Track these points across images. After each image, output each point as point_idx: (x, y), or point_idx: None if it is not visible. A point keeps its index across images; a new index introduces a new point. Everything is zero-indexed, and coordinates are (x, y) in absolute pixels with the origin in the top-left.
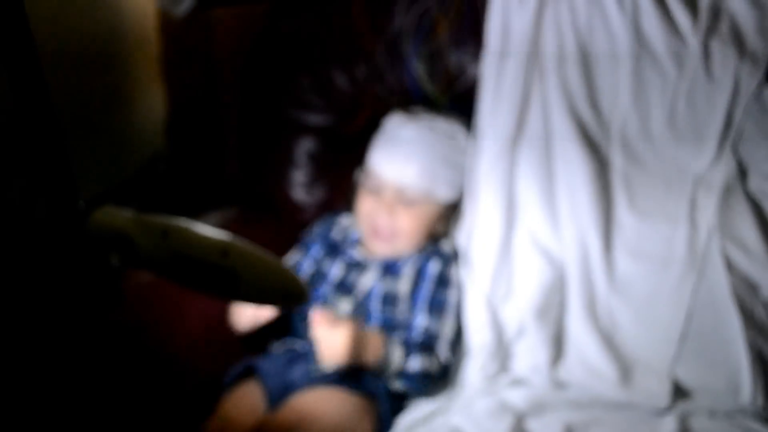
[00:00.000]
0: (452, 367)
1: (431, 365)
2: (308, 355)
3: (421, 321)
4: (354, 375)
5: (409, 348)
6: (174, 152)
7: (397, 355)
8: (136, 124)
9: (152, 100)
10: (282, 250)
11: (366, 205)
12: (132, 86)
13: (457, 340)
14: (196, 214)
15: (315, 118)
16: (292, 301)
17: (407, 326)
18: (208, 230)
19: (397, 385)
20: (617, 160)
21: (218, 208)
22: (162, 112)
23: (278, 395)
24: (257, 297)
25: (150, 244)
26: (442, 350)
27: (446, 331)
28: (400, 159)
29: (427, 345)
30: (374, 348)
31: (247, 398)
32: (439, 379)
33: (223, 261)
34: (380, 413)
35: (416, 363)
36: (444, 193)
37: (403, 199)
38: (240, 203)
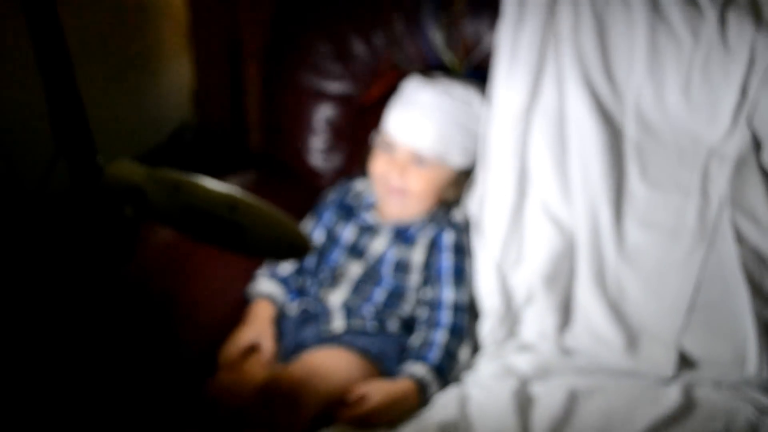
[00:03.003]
0: None
1: (464, 356)
2: (320, 316)
3: (448, 295)
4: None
5: (438, 332)
6: (201, 121)
7: (435, 389)
8: (164, 94)
9: (180, 70)
10: (299, 215)
11: (379, 164)
12: (160, 56)
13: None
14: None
15: (333, 86)
16: (296, 253)
17: (432, 304)
18: (217, 185)
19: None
20: (630, 130)
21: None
22: (189, 81)
23: (290, 353)
24: (263, 250)
25: (162, 198)
26: (467, 322)
27: (466, 299)
28: (415, 121)
29: (458, 328)
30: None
31: (259, 354)
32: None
33: (231, 215)
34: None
35: (455, 372)
36: (456, 159)
37: (415, 160)
38: (261, 170)
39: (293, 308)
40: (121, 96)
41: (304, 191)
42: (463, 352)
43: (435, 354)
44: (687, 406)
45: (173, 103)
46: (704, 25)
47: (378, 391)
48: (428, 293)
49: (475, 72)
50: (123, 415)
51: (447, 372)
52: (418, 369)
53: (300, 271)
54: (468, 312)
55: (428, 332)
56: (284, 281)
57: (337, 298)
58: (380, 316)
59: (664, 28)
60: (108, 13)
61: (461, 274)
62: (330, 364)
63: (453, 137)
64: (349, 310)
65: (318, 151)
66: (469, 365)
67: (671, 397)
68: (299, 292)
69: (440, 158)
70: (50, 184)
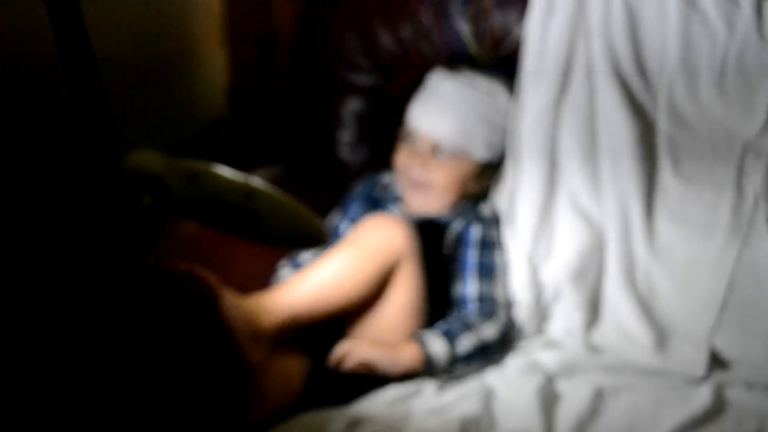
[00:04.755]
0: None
1: (487, 333)
2: None
3: (471, 289)
4: None
5: (464, 325)
6: (235, 116)
7: (438, 346)
8: (199, 88)
9: (215, 65)
10: (326, 207)
11: (402, 157)
12: (195, 51)
13: None
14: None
15: (361, 79)
16: (312, 242)
17: (456, 302)
18: (234, 174)
19: (458, 372)
20: (663, 124)
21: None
22: (224, 76)
23: None
24: (279, 239)
25: (180, 186)
26: (501, 314)
27: (500, 293)
28: (437, 113)
29: (486, 313)
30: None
31: None
32: (501, 344)
33: (247, 203)
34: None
35: (468, 342)
36: (479, 152)
37: (437, 152)
38: (290, 163)
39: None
40: (156, 90)
41: (331, 184)
42: (487, 329)
43: (446, 322)
44: (717, 408)
45: (208, 98)
46: (739, 15)
47: (374, 342)
48: (454, 290)
49: (504, 64)
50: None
51: (455, 336)
52: (422, 332)
53: None
54: (497, 301)
55: None
56: None
57: None
58: None
59: (698, 19)
60: (145, 10)
61: (487, 269)
62: None
63: (475, 130)
64: None
65: (346, 144)
66: (498, 358)
67: (701, 397)
68: None
69: (462, 151)
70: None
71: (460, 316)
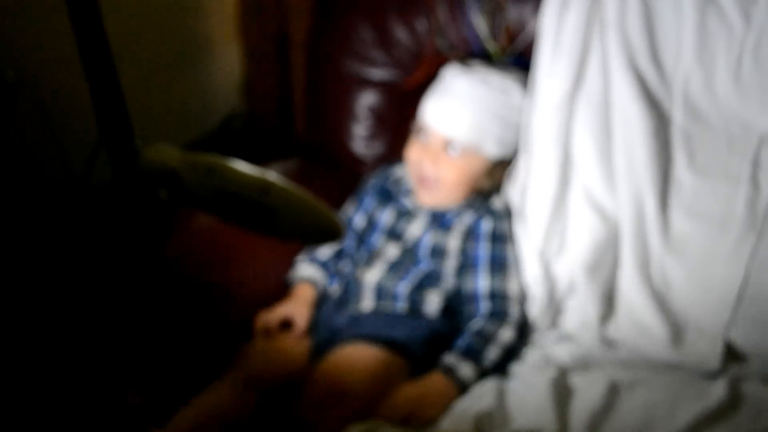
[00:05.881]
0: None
1: (506, 338)
2: (351, 295)
3: (483, 284)
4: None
5: (482, 338)
6: (250, 110)
7: (466, 369)
8: (214, 83)
9: (230, 60)
10: (340, 201)
11: (414, 152)
12: (210, 46)
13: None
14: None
15: (376, 73)
16: (328, 237)
17: (468, 297)
18: (249, 169)
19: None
20: (678, 117)
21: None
22: (239, 71)
23: (323, 342)
24: (295, 233)
25: (196, 181)
26: (513, 311)
27: (512, 288)
28: (449, 110)
29: (497, 314)
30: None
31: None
32: (520, 341)
33: (263, 198)
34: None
35: (493, 354)
36: (491, 149)
37: (448, 149)
38: (305, 157)
39: (335, 291)
40: (172, 85)
41: (346, 178)
42: (505, 333)
43: (465, 339)
44: (733, 402)
45: (223, 93)
46: (756, 8)
47: (408, 395)
48: (465, 284)
49: (519, 59)
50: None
51: (479, 352)
52: (446, 357)
53: (340, 255)
54: (509, 297)
55: (466, 325)
56: (324, 265)
57: (372, 276)
58: (414, 296)
59: (714, 11)
60: (161, 6)
61: (499, 262)
62: (352, 372)
63: (488, 127)
64: (381, 291)
65: (360, 138)
66: (517, 352)
67: (717, 391)
68: (339, 276)
69: (474, 147)
70: (94, 169)
71: (475, 325)
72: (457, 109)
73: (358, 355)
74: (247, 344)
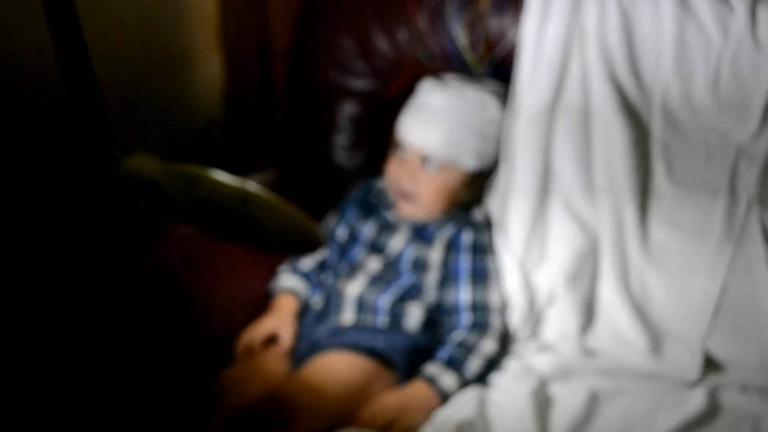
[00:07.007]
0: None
1: (488, 349)
2: (332, 307)
3: (465, 296)
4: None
5: (464, 349)
6: (230, 119)
7: (448, 379)
8: (194, 92)
9: (210, 69)
10: (322, 212)
11: (392, 168)
12: (191, 55)
13: None
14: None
15: (357, 83)
16: (309, 247)
17: (450, 309)
18: (230, 179)
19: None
20: (657, 128)
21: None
22: (219, 80)
23: (304, 354)
24: (276, 244)
25: (176, 190)
26: (495, 322)
27: (494, 299)
28: (425, 125)
29: (479, 325)
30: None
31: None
32: (501, 352)
33: (244, 208)
34: (397, 378)
35: (474, 365)
36: (468, 162)
37: (425, 164)
38: (286, 167)
39: (317, 302)
40: (152, 93)
41: (327, 188)
42: (486, 344)
43: (447, 350)
44: (712, 411)
45: (203, 101)
46: (734, 21)
47: (389, 402)
48: (447, 296)
49: (497, 70)
50: (133, 408)
51: (461, 362)
52: (428, 367)
53: (322, 266)
54: (490, 308)
55: (448, 337)
56: (306, 276)
57: (353, 289)
58: (395, 310)
59: (693, 23)
60: (141, 13)
61: (480, 274)
62: (331, 377)
63: (464, 141)
64: (362, 304)
65: (342, 148)
66: (499, 363)
67: (695, 400)
68: (322, 287)
69: (451, 162)
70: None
71: (458, 336)
72: (433, 126)
73: (336, 362)
74: (226, 370)
